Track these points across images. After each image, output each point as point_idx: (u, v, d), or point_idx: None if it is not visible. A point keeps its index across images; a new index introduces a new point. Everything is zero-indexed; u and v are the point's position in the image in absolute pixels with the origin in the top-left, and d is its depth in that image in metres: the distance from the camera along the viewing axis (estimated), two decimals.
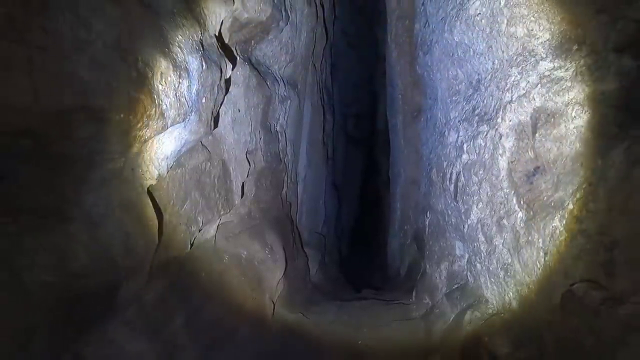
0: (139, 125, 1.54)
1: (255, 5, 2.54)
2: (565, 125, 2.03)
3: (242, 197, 3.00)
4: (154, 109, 1.58)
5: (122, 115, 1.41)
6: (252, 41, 2.87)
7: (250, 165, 3.04)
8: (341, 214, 5.81)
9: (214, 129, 2.39)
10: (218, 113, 2.38)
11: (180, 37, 1.77)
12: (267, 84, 3.11)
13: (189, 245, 2.51)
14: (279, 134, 3.45)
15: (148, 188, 1.98)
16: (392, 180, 4.94)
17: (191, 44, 1.87)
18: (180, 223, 2.36)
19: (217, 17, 2.15)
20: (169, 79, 1.67)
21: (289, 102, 3.51)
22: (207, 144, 2.49)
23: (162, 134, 1.80)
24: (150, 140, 1.76)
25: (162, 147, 1.96)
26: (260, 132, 3.09)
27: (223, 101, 2.41)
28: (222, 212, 2.78)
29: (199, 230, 2.60)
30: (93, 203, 1.56)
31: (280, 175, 3.56)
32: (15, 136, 1.17)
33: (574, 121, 1.99)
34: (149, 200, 2.00)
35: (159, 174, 2.02)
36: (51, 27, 1.15)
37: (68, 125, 1.26)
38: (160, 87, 1.62)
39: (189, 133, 2.06)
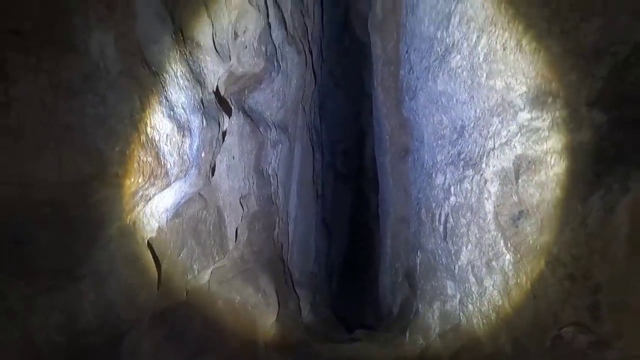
0: (146, 185, 1.61)
1: (250, 60, 2.67)
2: (545, 172, 2.16)
3: (235, 241, 3.05)
4: (160, 169, 1.66)
5: (132, 179, 1.48)
6: (246, 91, 3.00)
7: (243, 210, 3.11)
8: (331, 250, 5.85)
9: (211, 178, 2.47)
10: (215, 164, 2.46)
11: (183, 98, 1.87)
12: (259, 130, 3.22)
13: (185, 293, 2.53)
14: (271, 177, 3.54)
15: (148, 240, 2.03)
16: (382, 217, 5.04)
17: (193, 104, 1.97)
18: (176, 272, 2.39)
19: (215, 75, 2.27)
20: (174, 139, 1.76)
21: (280, 145, 3.62)
22: (203, 193, 2.56)
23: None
24: (154, 197, 1.83)
25: (163, 201, 2.02)
26: (253, 177, 3.18)
27: (219, 151, 2.50)
28: (216, 259, 2.81)
29: (194, 277, 2.63)
30: (100, 260, 1.60)
31: (272, 217, 3.62)
32: (38, 206, 1.23)
33: (554, 169, 2.11)
34: (149, 252, 2.05)
35: (159, 226, 2.07)
36: (76, 107, 1.23)
37: (85, 193, 1.33)
38: (166, 148, 1.70)
39: (189, 186, 2.13)
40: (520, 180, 2.26)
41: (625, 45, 1.74)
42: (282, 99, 3.56)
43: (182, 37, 1.94)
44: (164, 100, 1.71)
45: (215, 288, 2.93)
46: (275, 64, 3.12)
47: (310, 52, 4.10)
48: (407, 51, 3.65)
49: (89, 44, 1.31)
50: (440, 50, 2.90)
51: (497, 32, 2.25)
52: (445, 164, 3.06)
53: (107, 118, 1.36)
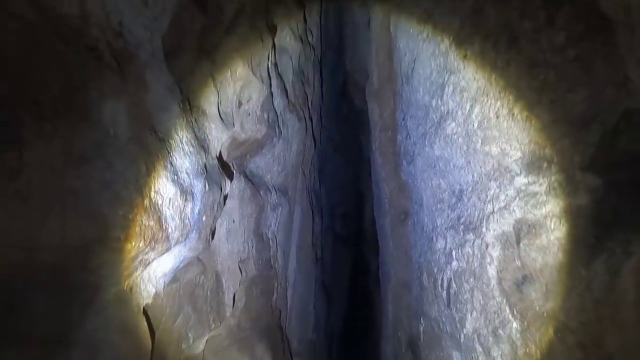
0: (146, 249, 1.60)
1: (253, 126, 2.77)
2: (546, 236, 2.16)
3: (232, 307, 2.96)
4: (161, 233, 1.66)
5: (133, 243, 1.48)
6: (248, 156, 3.07)
7: (242, 274, 3.05)
8: (331, 315, 5.65)
9: (211, 242, 2.45)
10: (215, 227, 2.46)
11: (188, 164, 1.92)
12: (260, 194, 3.26)
13: None
14: (270, 240, 3.51)
15: (144, 307, 1.97)
16: (382, 281, 4.93)
17: (197, 169, 2.01)
18: (171, 341, 2.29)
19: (219, 141, 2.34)
20: (177, 203, 1.78)
21: (280, 208, 3.64)
22: (202, 257, 2.53)
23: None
24: (153, 261, 1.81)
25: (161, 266, 1.99)
26: (252, 241, 3.15)
27: (220, 215, 2.51)
28: (212, 326, 2.71)
29: (189, 347, 2.52)
30: (95, 327, 1.55)
31: (270, 281, 3.55)
32: (39, 270, 1.22)
33: (554, 232, 2.12)
34: (144, 320, 1.98)
35: (156, 292, 2.02)
36: (85, 173, 1.26)
37: (86, 257, 1.32)
38: (168, 212, 1.71)
39: (189, 250, 2.12)
40: (521, 245, 2.25)
41: (613, 114, 1.82)
42: (283, 163, 3.64)
43: (189, 105, 2.03)
44: (169, 166, 1.75)
45: (210, 358, 2.79)
46: (277, 130, 3.23)
47: (311, 119, 4.25)
48: (403, 118, 3.80)
49: (102, 113, 1.37)
50: (436, 117, 3.03)
51: (489, 102, 2.36)
52: (446, 228, 3.06)
53: (113, 183, 1.39)
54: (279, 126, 3.31)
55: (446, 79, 2.79)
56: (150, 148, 1.58)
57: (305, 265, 4.49)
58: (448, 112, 2.86)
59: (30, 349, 1.29)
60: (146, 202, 1.54)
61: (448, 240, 3.01)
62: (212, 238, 2.35)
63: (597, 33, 1.80)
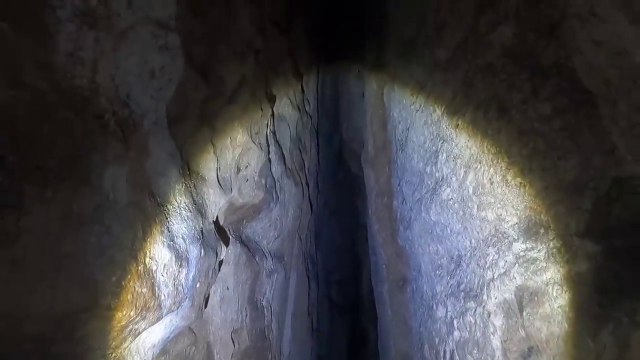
0: (137, 318, 1.54)
1: (250, 192, 2.80)
2: (549, 305, 2.10)
3: None
4: (153, 301, 1.61)
5: (124, 312, 1.43)
6: (244, 221, 3.06)
7: (234, 346, 2.90)
8: None
9: (204, 310, 2.36)
10: (209, 295, 2.39)
11: (184, 229, 1.90)
12: (255, 260, 3.20)
13: None
14: (265, 309, 3.39)
15: None
16: (382, 353, 4.69)
17: (193, 234, 2.00)
18: None
19: (216, 206, 2.35)
20: (171, 269, 1.74)
21: (275, 275, 3.56)
22: (193, 327, 2.42)
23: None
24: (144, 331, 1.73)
25: (151, 336, 1.90)
26: (246, 309, 3.05)
27: (214, 281, 2.44)
28: None
29: None
30: None
31: (264, 354, 3.37)
32: (21, 342, 1.16)
33: (557, 300, 2.07)
34: None
35: None
36: (81, 238, 1.25)
37: (73, 326, 1.26)
38: (162, 278, 1.67)
39: (181, 319, 2.03)
40: (524, 313, 2.19)
41: (604, 181, 1.87)
42: (279, 228, 3.62)
43: (189, 171, 2.06)
44: (166, 231, 1.74)
45: None
46: (274, 195, 3.26)
47: (307, 184, 4.31)
48: (399, 184, 3.85)
49: (103, 178, 1.39)
50: (431, 183, 3.08)
51: (482, 168, 2.42)
52: (446, 295, 2.98)
53: (109, 248, 1.37)
54: (276, 191, 3.34)
55: (439, 146, 2.88)
56: (148, 213, 1.58)
57: (301, 336, 4.29)
58: (443, 178, 2.91)
59: None
60: (140, 268, 1.51)
61: (449, 308, 2.92)
62: (206, 306, 2.27)
63: (581, 105, 1.90)
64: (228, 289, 2.79)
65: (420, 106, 3.15)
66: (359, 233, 6.40)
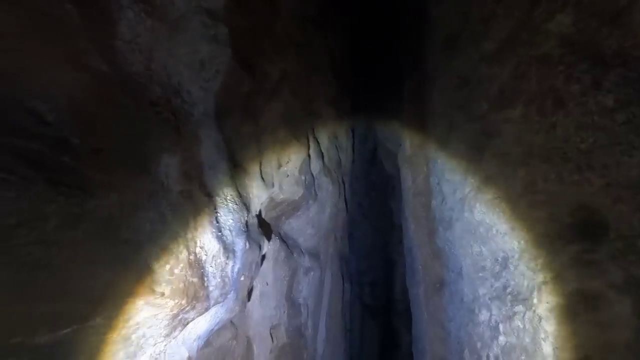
0: (187, 308, 1.54)
1: (290, 188, 2.78)
2: (608, 310, 1.98)
3: None
4: (202, 291, 1.60)
5: (176, 300, 1.42)
6: (283, 217, 3.05)
7: (273, 342, 2.89)
8: None
9: (247, 304, 2.36)
10: (251, 289, 2.38)
11: (231, 221, 1.90)
12: (293, 256, 3.18)
13: None
14: (302, 306, 3.36)
15: None
16: (417, 357, 4.58)
17: (239, 227, 1.99)
18: None
19: (259, 200, 2.34)
20: (219, 261, 1.73)
21: (312, 273, 3.53)
22: (235, 320, 2.42)
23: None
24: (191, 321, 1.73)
25: (196, 328, 1.90)
26: (284, 306, 3.03)
27: (257, 275, 2.44)
28: None
29: None
30: None
31: (300, 352, 3.34)
32: (74, 325, 1.16)
33: (617, 306, 1.94)
34: None
35: (189, 356, 1.91)
36: (137, 224, 1.26)
37: (128, 313, 1.27)
38: (210, 269, 1.67)
39: (225, 311, 2.03)
40: (580, 319, 2.07)
41: None
42: (316, 227, 3.60)
43: (234, 164, 2.06)
44: (214, 222, 1.74)
45: None
46: (313, 192, 3.23)
47: (343, 183, 4.27)
48: (438, 183, 3.75)
49: (157, 165, 1.40)
50: (475, 181, 2.97)
51: (534, 165, 2.31)
52: (489, 299, 2.86)
53: (163, 236, 1.37)
54: (314, 189, 3.32)
55: (485, 143, 2.78)
56: (198, 202, 1.58)
57: (335, 336, 4.25)
58: (489, 176, 2.80)
59: None
60: (192, 257, 1.50)
61: (493, 312, 2.81)
62: (249, 300, 2.26)
63: None
64: (267, 284, 2.78)
65: (464, 102, 3.05)
66: (392, 234, 6.31)
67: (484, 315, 2.92)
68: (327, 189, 3.67)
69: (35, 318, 1.04)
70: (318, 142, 3.37)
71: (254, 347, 2.64)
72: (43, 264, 1.01)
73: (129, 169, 1.29)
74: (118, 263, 1.21)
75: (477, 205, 2.94)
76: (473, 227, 3.06)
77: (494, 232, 2.80)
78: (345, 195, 4.40)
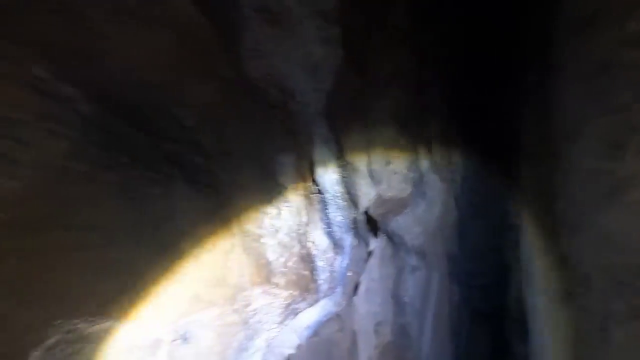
0: (298, 299, 1.63)
1: (398, 185, 2.74)
2: None
3: None
4: (313, 284, 1.68)
5: (289, 291, 1.52)
6: (391, 214, 3.02)
7: (377, 338, 2.90)
8: None
9: (353, 298, 2.41)
10: (358, 284, 2.42)
11: (340, 217, 1.95)
12: (400, 254, 3.14)
13: None
14: (407, 305, 3.31)
15: (288, 357, 1.97)
16: None
17: (347, 223, 2.03)
18: None
19: (367, 197, 2.36)
20: (328, 256, 1.80)
21: (418, 272, 3.45)
22: (342, 314, 2.48)
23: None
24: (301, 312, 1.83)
25: (305, 317, 2.00)
26: (390, 304, 3.01)
27: (363, 271, 2.47)
28: None
29: None
30: None
31: (405, 351, 3.30)
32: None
33: None
34: None
35: (299, 343, 2.02)
36: (257, 218, 1.37)
37: (249, 300, 1.39)
38: (320, 264, 1.74)
39: (332, 305, 2.10)
40: None
41: None
42: (424, 225, 3.50)
43: (344, 161, 2.10)
44: (325, 218, 1.80)
45: None
46: (421, 190, 3.15)
47: (453, 181, 4.08)
48: (564, 183, 3.37)
49: (275, 164, 1.50)
50: (612, 182, 2.60)
51: None
52: (628, 317, 2.50)
53: (279, 230, 1.47)
54: (422, 187, 3.23)
55: (627, 138, 2.41)
56: (311, 199, 1.66)
57: (441, 338, 4.10)
58: (630, 176, 2.43)
59: None
60: (304, 251, 1.59)
61: (629, 332, 2.45)
62: (355, 294, 2.31)
63: None
64: (373, 280, 2.80)
65: (600, 91, 2.67)
66: (506, 236, 5.82)
67: (619, 336, 2.56)
68: (436, 186, 3.55)
69: (184, 299, 1.21)
70: (427, 139, 3.27)
71: (359, 342, 2.68)
72: (187, 253, 1.17)
73: (252, 168, 1.41)
74: (243, 254, 1.33)
75: (613, 209, 2.57)
76: (607, 233, 2.69)
77: (634, 239, 2.43)
78: (455, 193, 4.20)
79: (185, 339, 1.33)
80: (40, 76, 0.99)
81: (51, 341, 0.99)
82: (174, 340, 1.31)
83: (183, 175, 1.19)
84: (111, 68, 1.10)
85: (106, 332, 1.16)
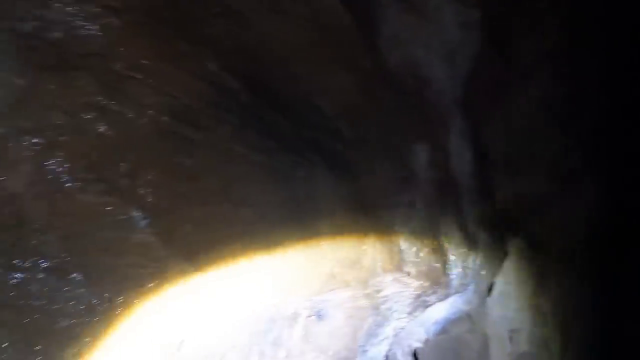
0: (429, 291, 1.60)
1: (543, 181, 2.48)
2: None
3: None
4: (444, 278, 1.63)
5: (420, 282, 1.50)
6: (531, 213, 2.75)
7: (511, 346, 2.67)
8: None
9: (486, 299, 2.26)
10: (492, 285, 2.27)
11: (475, 211, 1.85)
12: (540, 258, 2.84)
13: None
14: (548, 315, 2.97)
15: (415, 350, 1.95)
16: None
17: (481, 219, 1.92)
18: None
19: (505, 192, 2.19)
20: (461, 251, 1.73)
21: (562, 280, 3.07)
22: (473, 314, 2.35)
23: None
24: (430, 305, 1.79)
25: (434, 312, 1.95)
26: (527, 311, 2.74)
27: (498, 272, 2.30)
28: None
29: None
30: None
31: None
32: None
33: None
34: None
35: (427, 338, 1.98)
36: (387, 206, 1.39)
37: (380, 285, 1.42)
38: (452, 258, 1.68)
39: (463, 302, 2.01)
40: None
41: None
42: (568, 225, 3.10)
43: (480, 152, 1.99)
44: (458, 211, 1.73)
45: None
46: (573, 187, 2.80)
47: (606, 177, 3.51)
48: None
49: (409, 153, 1.50)
50: None
51: None
52: None
53: (412, 219, 1.46)
54: (570, 184, 2.86)
55: None
56: (445, 191, 1.61)
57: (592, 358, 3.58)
58: None
59: None
60: (435, 243, 1.55)
61: None
62: (489, 295, 2.17)
63: None
64: (509, 284, 2.59)
65: None
66: None
67: None
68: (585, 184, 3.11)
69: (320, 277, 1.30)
70: (579, 131, 2.88)
71: (490, 346, 2.51)
72: (325, 234, 1.25)
73: (386, 156, 1.42)
74: (376, 242, 1.36)
75: None
76: None
77: None
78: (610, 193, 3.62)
79: (319, 316, 1.42)
80: (213, 71, 1.17)
81: None
82: (309, 316, 1.40)
83: (323, 160, 1.26)
84: (265, 62, 1.24)
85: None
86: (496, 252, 2.08)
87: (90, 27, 1.02)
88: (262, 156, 1.25)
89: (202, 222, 1.16)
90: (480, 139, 2.03)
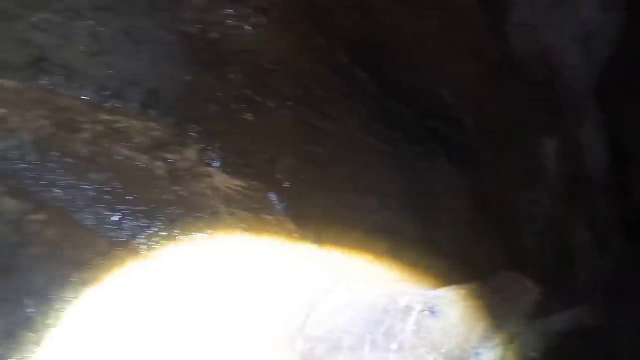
0: (552, 297, 1.49)
1: None
2: None
3: None
4: (568, 285, 1.52)
5: (542, 287, 1.41)
6: None
7: None
8: None
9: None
10: (625, 296, 2.04)
11: (608, 212, 1.69)
12: None
13: None
14: None
15: (532, 356, 1.85)
16: None
17: (614, 219, 1.74)
18: None
19: None
20: (589, 254, 1.59)
21: None
22: (597, 329, 2.14)
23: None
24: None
25: (556, 322, 1.81)
26: None
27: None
28: None
29: None
30: None
31: None
32: None
33: None
34: None
35: (544, 348, 1.85)
36: (515, 202, 1.32)
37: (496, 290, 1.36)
38: (580, 263, 1.55)
39: (589, 316, 1.83)
40: None
41: None
42: None
43: (615, 147, 1.80)
44: (589, 211, 1.59)
45: None
46: None
47: None
48: None
49: (537, 145, 1.40)
50: None
51: None
52: None
53: (537, 217, 1.37)
54: None
55: None
56: (574, 187, 1.49)
57: None
58: None
59: None
60: (563, 245, 1.44)
61: None
62: (620, 310, 1.95)
63: None
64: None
65: None
66: None
67: None
68: None
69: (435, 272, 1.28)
70: None
71: None
72: (444, 227, 1.23)
73: (512, 148, 1.35)
74: (497, 236, 1.30)
75: None
76: None
77: None
78: None
79: (432, 312, 1.40)
80: (344, 63, 1.22)
81: None
82: (422, 311, 1.39)
83: (445, 151, 1.24)
84: (390, 53, 1.26)
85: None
86: (632, 260, 1.87)
87: (243, 26, 1.14)
88: (389, 146, 1.26)
89: (330, 207, 1.21)
90: (618, 132, 1.83)
